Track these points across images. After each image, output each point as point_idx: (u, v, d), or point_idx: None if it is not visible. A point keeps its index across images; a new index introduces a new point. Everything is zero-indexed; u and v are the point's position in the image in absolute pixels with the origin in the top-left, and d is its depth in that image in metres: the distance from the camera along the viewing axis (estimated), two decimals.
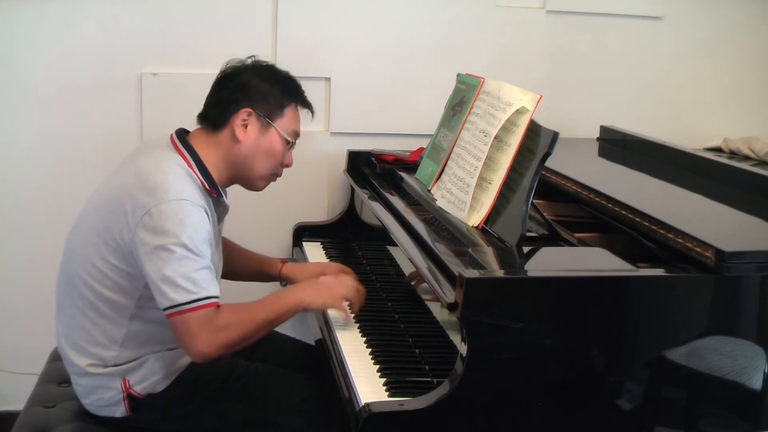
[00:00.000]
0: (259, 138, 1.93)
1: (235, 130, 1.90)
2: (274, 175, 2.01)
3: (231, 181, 1.99)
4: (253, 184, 2.00)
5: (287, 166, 2.02)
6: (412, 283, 2.06)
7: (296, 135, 2.00)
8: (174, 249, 1.70)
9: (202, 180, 1.86)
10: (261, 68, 1.98)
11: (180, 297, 1.69)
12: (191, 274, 1.71)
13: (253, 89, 1.92)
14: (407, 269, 2.13)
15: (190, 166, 1.85)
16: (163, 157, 1.84)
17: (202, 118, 1.96)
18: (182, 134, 1.94)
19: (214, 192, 1.89)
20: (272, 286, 2.36)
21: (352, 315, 1.98)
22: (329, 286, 1.95)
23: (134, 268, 1.77)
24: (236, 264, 2.24)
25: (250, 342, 1.82)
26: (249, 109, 1.91)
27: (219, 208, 1.95)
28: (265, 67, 1.99)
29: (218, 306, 1.74)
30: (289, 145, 1.98)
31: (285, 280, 2.29)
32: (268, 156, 1.95)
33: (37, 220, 2.67)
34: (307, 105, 2.02)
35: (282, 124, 1.95)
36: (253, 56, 2.01)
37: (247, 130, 1.91)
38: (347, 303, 1.96)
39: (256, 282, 2.33)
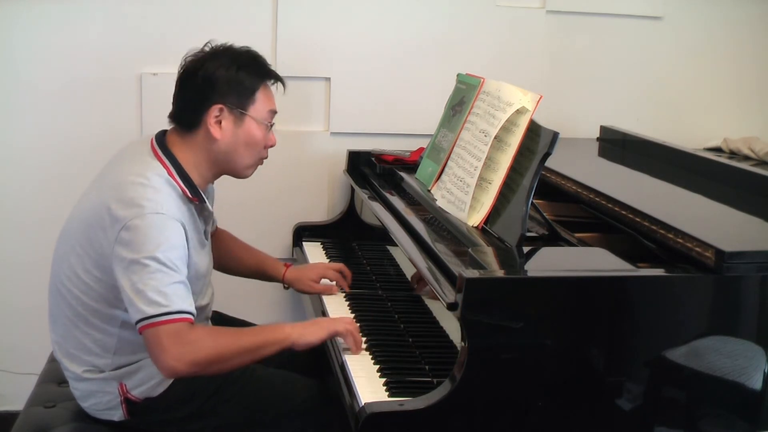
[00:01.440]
0: (236, 131, 1.87)
1: (210, 130, 1.85)
2: (261, 160, 1.97)
3: (217, 176, 1.96)
4: (240, 174, 1.96)
5: (271, 146, 1.96)
6: (415, 287, 2.06)
7: (273, 114, 1.94)
8: (147, 263, 1.68)
9: (184, 188, 1.83)
10: (220, 55, 1.89)
11: (151, 309, 1.67)
12: (163, 288, 1.68)
13: (219, 81, 1.84)
14: (407, 269, 2.12)
15: (170, 174, 1.82)
16: (142, 167, 1.80)
17: (174, 119, 1.91)
18: (162, 138, 1.89)
19: (196, 200, 1.86)
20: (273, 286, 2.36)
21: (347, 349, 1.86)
22: (322, 324, 1.87)
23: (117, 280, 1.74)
24: (233, 259, 2.22)
25: (227, 367, 1.76)
26: (219, 105, 1.85)
27: (204, 212, 1.93)
28: (224, 52, 1.90)
29: (191, 322, 1.71)
30: (269, 126, 1.93)
31: (288, 284, 2.26)
32: (249, 146, 1.90)
33: (37, 220, 2.66)
34: (276, 78, 1.95)
35: (256, 110, 1.89)
36: (209, 42, 1.93)
37: (222, 126, 1.86)
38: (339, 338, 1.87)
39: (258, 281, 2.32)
